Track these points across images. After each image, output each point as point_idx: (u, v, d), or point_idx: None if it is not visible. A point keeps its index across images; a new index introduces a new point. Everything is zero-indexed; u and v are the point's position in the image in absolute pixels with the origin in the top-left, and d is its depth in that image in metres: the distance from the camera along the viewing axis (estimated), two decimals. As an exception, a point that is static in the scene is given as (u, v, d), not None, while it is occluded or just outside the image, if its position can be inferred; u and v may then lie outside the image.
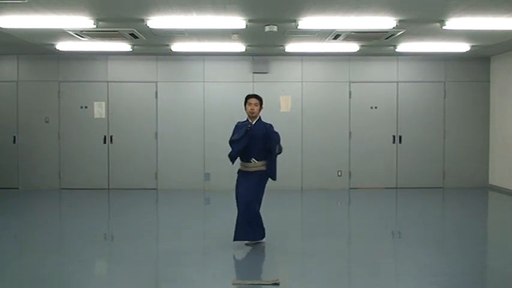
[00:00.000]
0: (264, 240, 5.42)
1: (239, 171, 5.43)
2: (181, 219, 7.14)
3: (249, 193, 5.25)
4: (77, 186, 9.65)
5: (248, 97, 5.45)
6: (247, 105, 5.39)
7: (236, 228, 5.29)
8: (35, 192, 9.32)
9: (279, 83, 9.73)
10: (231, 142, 5.30)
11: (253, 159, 5.29)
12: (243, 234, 5.28)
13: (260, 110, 5.42)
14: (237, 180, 5.41)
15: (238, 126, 5.39)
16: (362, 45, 8.42)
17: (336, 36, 7.47)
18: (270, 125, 5.39)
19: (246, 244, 5.38)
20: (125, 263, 4.93)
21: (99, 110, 9.67)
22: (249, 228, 5.26)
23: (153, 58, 9.69)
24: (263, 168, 5.32)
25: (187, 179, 9.72)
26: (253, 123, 5.35)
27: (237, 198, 5.33)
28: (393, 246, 5.89)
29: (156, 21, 6.44)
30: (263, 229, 5.39)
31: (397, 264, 5.06)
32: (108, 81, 9.69)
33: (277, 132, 5.31)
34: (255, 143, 5.25)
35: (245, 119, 5.45)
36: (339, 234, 6.35)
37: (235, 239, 5.30)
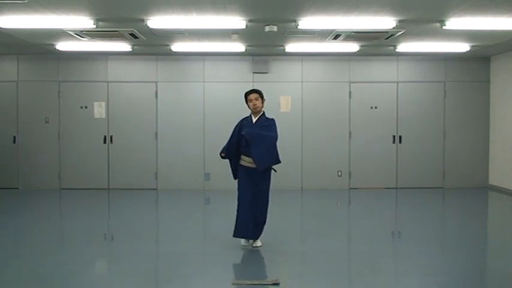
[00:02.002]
0: (260, 244, 5.39)
1: (243, 167, 5.29)
2: (181, 219, 7.14)
3: (266, 198, 5.26)
4: (77, 186, 9.66)
5: (247, 94, 5.39)
6: (248, 102, 5.35)
7: (237, 224, 5.26)
8: (35, 192, 9.33)
9: (279, 83, 9.73)
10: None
11: None
12: (243, 232, 5.26)
13: (263, 103, 5.37)
14: (242, 179, 5.29)
15: (238, 126, 5.35)
16: (362, 45, 8.42)
17: (336, 36, 7.47)
18: (272, 120, 5.35)
19: (243, 245, 5.36)
20: (125, 263, 4.93)
21: (99, 110, 9.67)
22: (251, 227, 5.23)
23: (153, 58, 9.69)
24: None
25: (187, 179, 9.72)
26: (254, 121, 5.31)
27: (241, 195, 5.27)
28: (393, 246, 5.89)
29: (156, 21, 6.44)
30: (262, 229, 5.38)
31: (397, 264, 5.06)
32: (108, 81, 9.69)
33: (269, 136, 5.20)
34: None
35: (248, 115, 5.43)
36: (339, 234, 6.35)
37: (235, 235, 5.30)
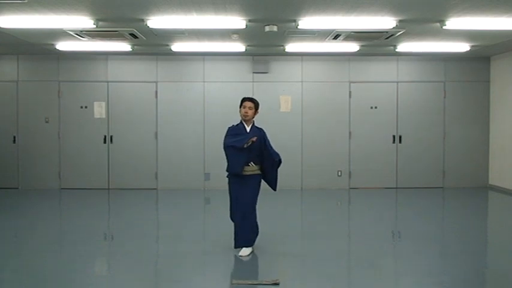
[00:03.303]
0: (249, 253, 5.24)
1: (235, 176, 5.15)
2: (181, 219, 7.14)
3: (251, 200, 5.14)
4: (77, 186, 9.66)
5: (243, 100, 5.26)
6: (241, 108, 5.21)
7: (236, 235, 5.18)
8: (35, 192, 9.33)
9: (279, 83, 9.73)
10: (230, 148, 5.08)
11: (252, 163, 5.14)
12: (244, 242, 5.17)
13: (255, 114, 5.24)
14: (233, 185, 5.17)
15: (232, 130, 5.20)
16: (362, 45, 8.42)
17: (336, 36, 7.47)
18: (264, 132, 5.24)
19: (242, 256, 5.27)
20: (125, 263, 4.93)
21: (99, 110, 9.68)
22: (249, 234, 5.16)
23: (153, 58, 9.70)
24: (258, 172, 5.20)
25: (187, 179, 9.72)
26: (248, 130, 5.17)
27: (235, 205, 5.16)
28: (393, 246, 5.89)
29: (156, 21, 6.44)
30: (256, 235, 5.29)
31: (397, 264, 5.06)
32: (108, 81, 9.70)
33: (277, 154, 5.22)
34: (252, 147, 5.07)
35: (238, 123, 5.25)
36: (339, 234, 6.34)
37: (236, 246, 5.21)
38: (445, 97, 9.89)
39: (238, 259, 5.07)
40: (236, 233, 5.21)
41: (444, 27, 6.66)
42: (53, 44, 8.36)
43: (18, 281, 4.44)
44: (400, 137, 9.85)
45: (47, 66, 9.68)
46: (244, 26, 6.64)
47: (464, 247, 5.53)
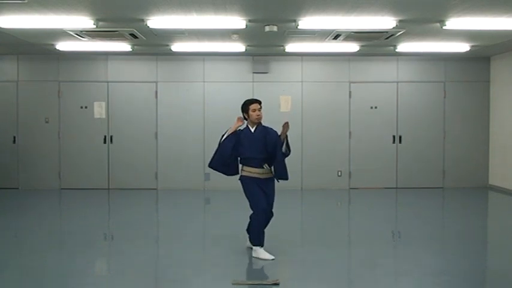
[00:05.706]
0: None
1: (251, 178, 5.00)
2: (182, 219, 7.14)
3: (271, 204, 5.09)
4: (77, 186, 9.65)
5: (251, 102, 5.08)
6: (250, 112, 5.04)
7: (260, 234, 5.06)
8: (35, 192, 9.33)
9: (279, 83, 9.73)
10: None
11: (266, 165, 5.05)
12: (263, 240, 5.11)
13: None
14: (254, 187, 4.99)
15: (240, 137, 5.10)
16: (362, 45, 8.42)
17: (336, 36, 7.47)
18: (274, 131, 5.12)
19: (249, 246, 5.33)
20: (125, 263, 4.93)
21: (99, 110, 9.68)
22: (263, 234, 5.12)
23: (153, 58, 9.69)
24: (271, 175, 5.12)
25: (187, 179, 9.72)
26: (253, 130, 5.11)
27: (258, 207, 4.96)
28: (393, 246, 5.89)
29: (156, 21, 6.44)
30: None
31: (397, 265, 5.06)
32: (108, 81, 9.69)
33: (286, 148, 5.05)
34: (259, 146, 5.01)
35: (243, 127, 5.14)
36: (339, 234, 6.34)
37: (262, 244, 5.11)
38: (445, 97, 9.89)
39: (238, 259, 5.06)
40: (260, 231, 5.03)
41: (444, 27, 6.66)
42: (53, 44, 8.36)
43: (18, 281, 4.44)
44: (400, 137, 9.86)
45: (47, 66, 9.68)
46: (244, 26, 6.64)
47: (464, 247, 5.53)
